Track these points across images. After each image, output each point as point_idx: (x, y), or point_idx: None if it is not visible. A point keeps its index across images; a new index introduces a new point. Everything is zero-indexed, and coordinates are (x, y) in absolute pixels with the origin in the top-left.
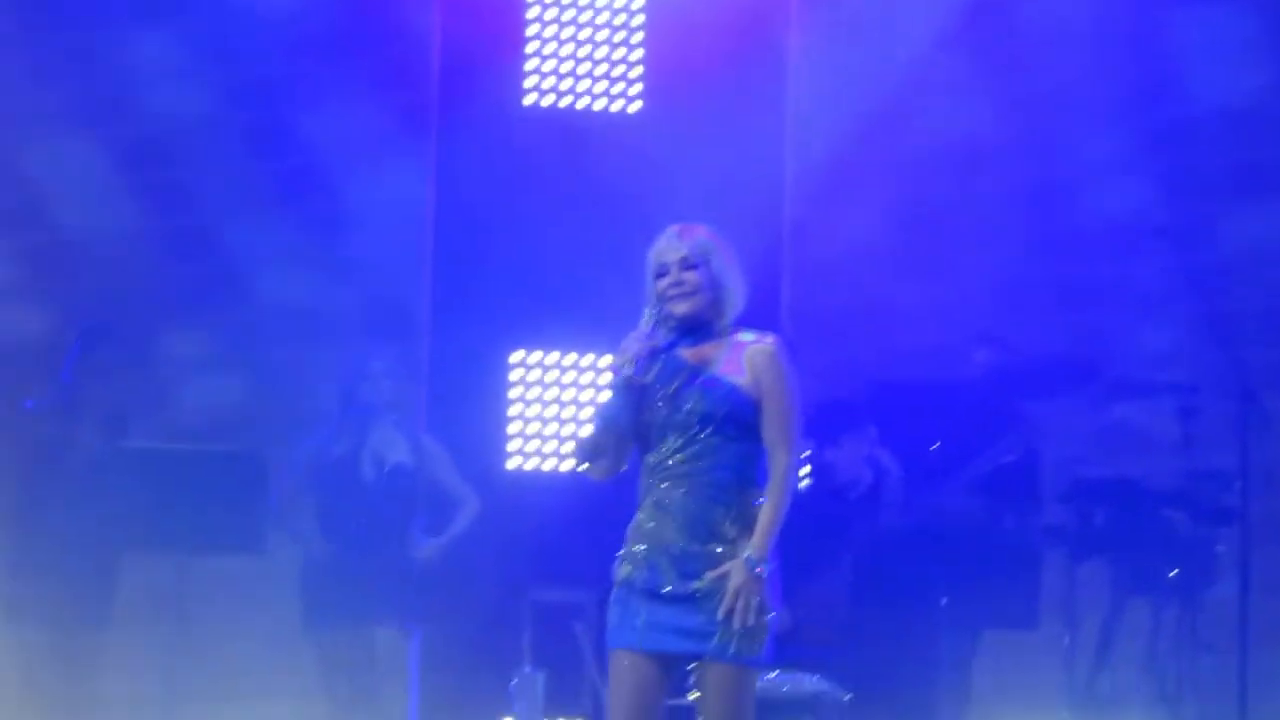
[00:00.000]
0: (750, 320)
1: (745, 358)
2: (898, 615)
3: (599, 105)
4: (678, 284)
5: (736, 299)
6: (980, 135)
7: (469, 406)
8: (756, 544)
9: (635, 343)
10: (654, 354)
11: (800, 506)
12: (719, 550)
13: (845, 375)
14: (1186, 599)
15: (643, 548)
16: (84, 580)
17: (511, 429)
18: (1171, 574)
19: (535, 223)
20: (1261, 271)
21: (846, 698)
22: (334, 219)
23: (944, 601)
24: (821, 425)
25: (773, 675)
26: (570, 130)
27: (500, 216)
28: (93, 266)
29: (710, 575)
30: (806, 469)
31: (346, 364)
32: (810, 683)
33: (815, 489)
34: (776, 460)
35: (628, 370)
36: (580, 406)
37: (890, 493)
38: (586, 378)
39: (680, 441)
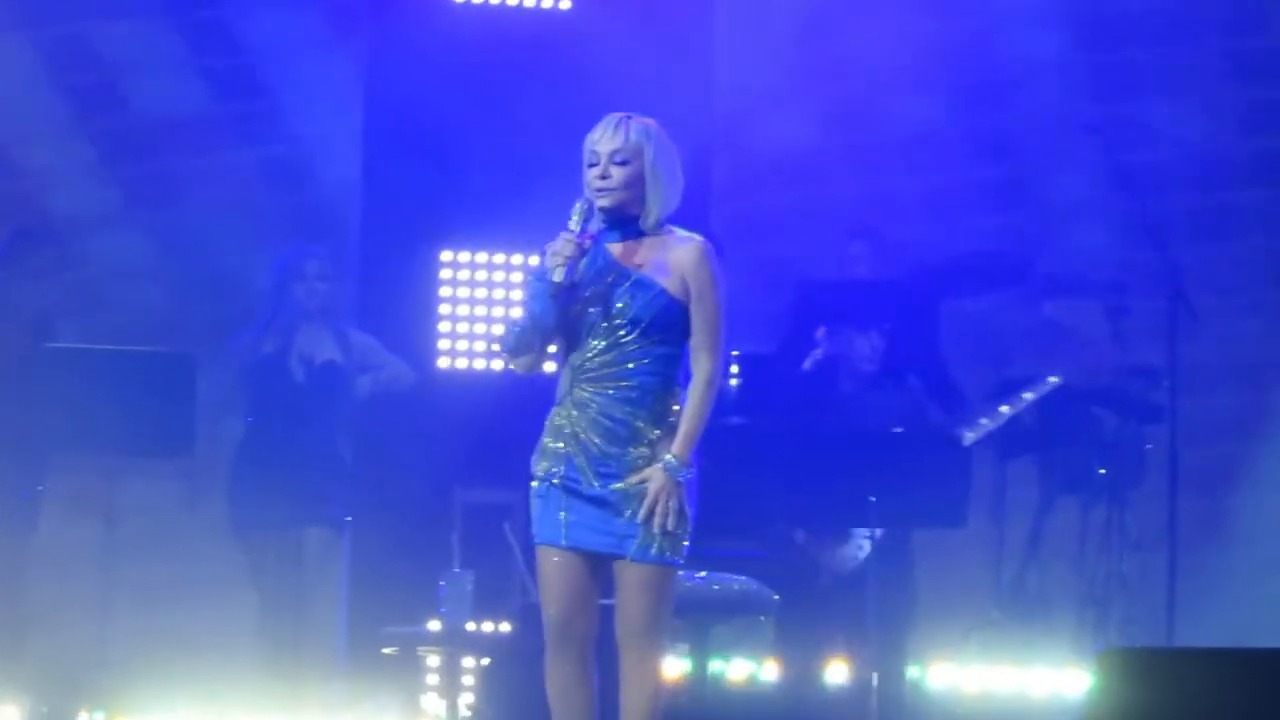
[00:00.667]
0: (680, 219)
1: (673, 259)
2: (824, 514)
3: (530, 1)
4: (604, 177)
5: (669, 198)
6: (910, 37)
7: (398, 305)
8: (677, 449)
9: (565, 245)
10: (582, 253)
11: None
12: (639, 453)
13: (775, 275)
14: (1115, 497)
15: (560, 445)
16: (11, 482)
17: (442, 327)
18: (1100, 472)
19: (465, 121)
20: (1189, 170)
21: (775, 597)
22: (264, 117)
23: (872, 500)
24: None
25: (701, 575)
26: (501, 27)
27: (431, 114)
28: (18, 169)
29: (631, 479)
30: (735, 368)
31: (277, 263)
32: (739, 583)
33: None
34: (700, 364)
35: (557, 276)
36: (509, 306)
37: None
38: (516, 277)
39: (605, 342)
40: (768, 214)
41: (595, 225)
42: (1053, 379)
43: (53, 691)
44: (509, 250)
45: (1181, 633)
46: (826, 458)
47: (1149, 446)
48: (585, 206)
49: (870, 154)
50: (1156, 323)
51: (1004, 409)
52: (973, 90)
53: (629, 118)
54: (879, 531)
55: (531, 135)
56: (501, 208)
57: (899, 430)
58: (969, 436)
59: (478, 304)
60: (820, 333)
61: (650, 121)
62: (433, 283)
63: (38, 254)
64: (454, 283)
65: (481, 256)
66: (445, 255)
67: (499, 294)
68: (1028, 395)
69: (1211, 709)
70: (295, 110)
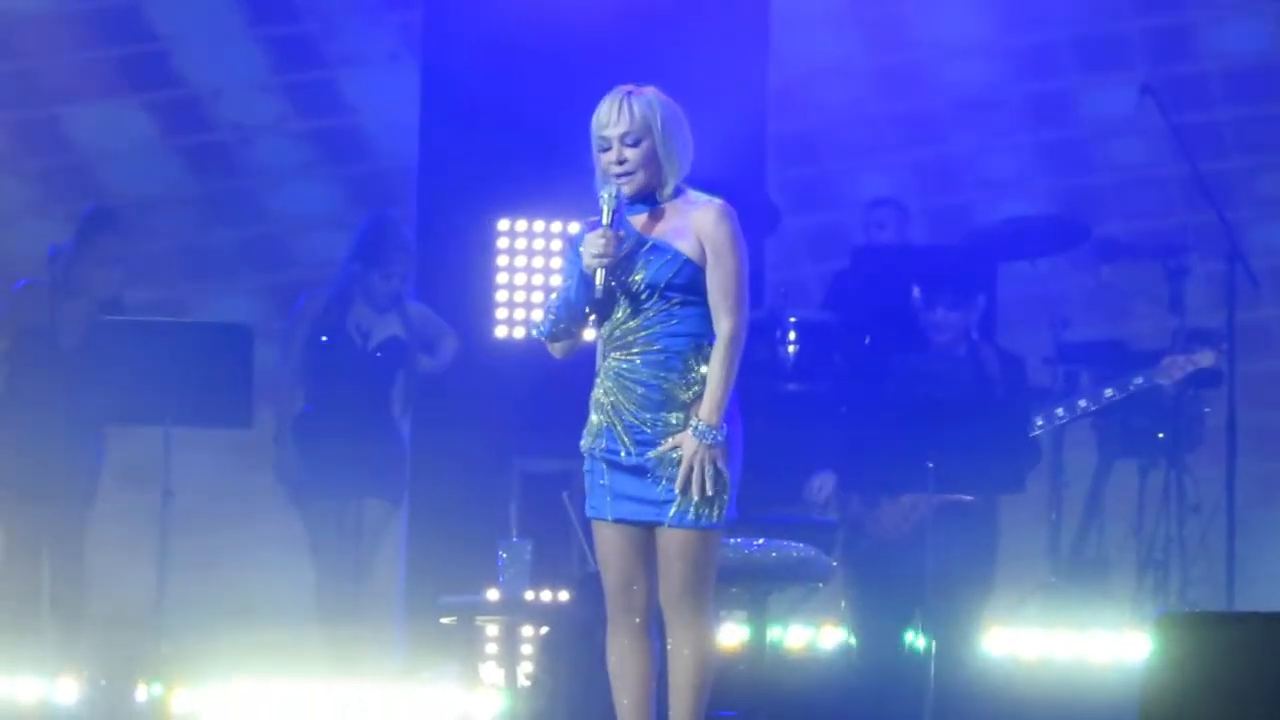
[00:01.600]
0: (733, 186)
1: (691, 221)
2: (883, 480)
3: None
4: (621, 161)
5: (683, 165)
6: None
7: (456, 276)
8: (705, 412)
9: (604, 244)
10: (620, 247)
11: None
12: (674, 417)
13: (834, 240)
14: (1173, 461)
15: (600, 417)
16: (71, 454)
17: (499, 297)
18: (1159, 436)
19: (521, 90)
20: (1249, 137)
21: (834, 563)
22: (320, 88)
23: (930, 465)
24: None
25: (759, 542)
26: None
27: (487, 84)
28: (88, 156)
29: (665, 446)
30: (792, 334)
31: (359, 236)
32: (797, 550)
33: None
34: (721, 324)
35: (599, 277)
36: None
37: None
38: None
39: (630, 310)
40: (825, 181)
41: (620, 205)
42: (1138, 380)
43: (111, 663)
44: (566, 219)
45: (1241, 597)
46: (884, 424)
47: (1207, 410)
48: (613, 196)
49: (927, 119)
50: (1215, 286)
51: (1082, 403)
52: (1028, 54)
53: (630, 94)
54: (930, 499)
55: (587, 104)
56: (558, 176)
57: (959, 399)
58: (1039, 424)
59: (535, 273)
60: (916, 292)
61: (650, 90)
62: (490, 252)
63: (110, 233)
64: (511, 251)
65: (539, 225)
66: (502, 224)
67: (555, 263)
68: (1109, 392)
69: (1272, 673)
70: (351, 80)
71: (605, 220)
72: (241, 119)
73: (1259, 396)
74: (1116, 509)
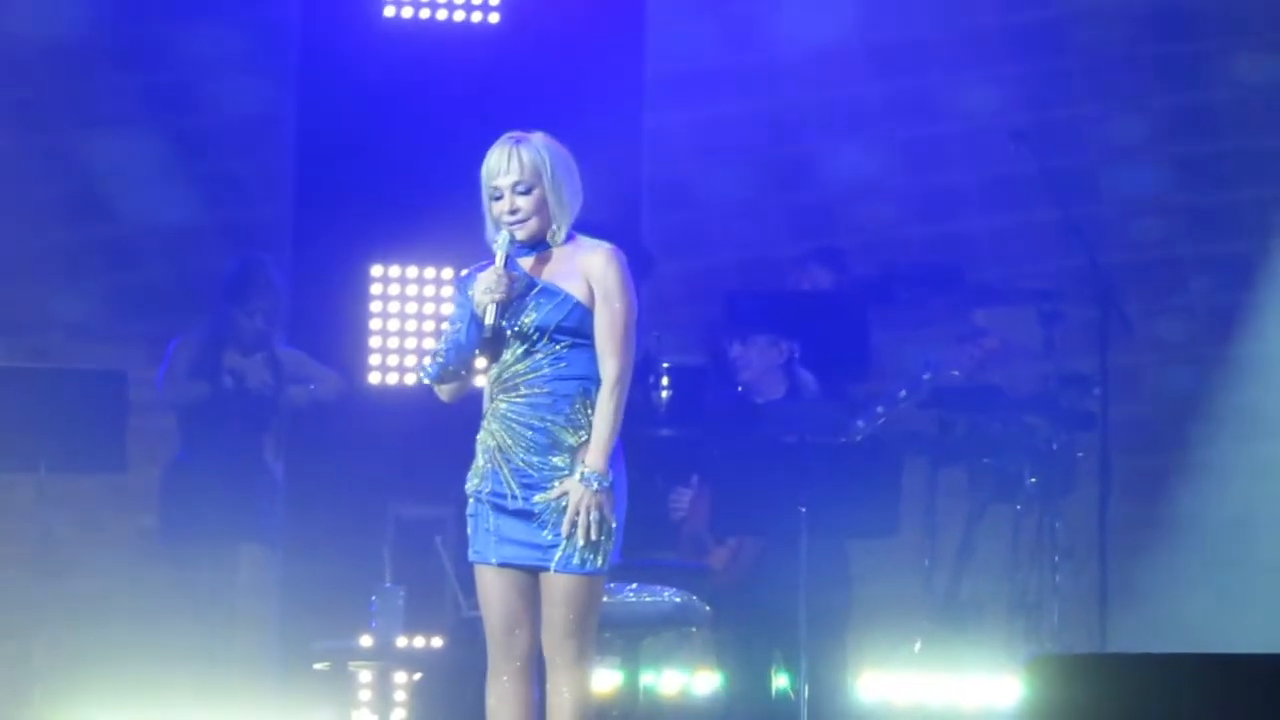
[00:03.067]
0: (610, 235)
1: (580, 264)
2: (755, 525)
3: (459, 16)
4: (514, 210)
5: (572, 208)
6: (839, 42)
7: (330, 321)
8: (591, 458)
9: (498, 285)
10: (513, 290)
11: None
12: (560, 460)
13: (707, 286)
14: (1047, 505)
15: (486, 460)
16: None
17: (373, 342)
18: (1031, 480)
19: (395, 135)
20: (1121, 176)
21: (706, 609)
22: (194, 134)
23: (803, 510)
24: (728, 323)
25: (632, 587)
26: (431, 41)
27: (360, 129)
28: None
29: (551, 493)
30: (665, 380)
31: (224, 279)
32: (670, 594)
33: (701, 392)
34: (606, 368)
35: (489, 317)
36: (440, 320)
37: (803, 412)
38: (446, 290)
39: (518, 353)
40: (700, 224)
41: (511, 251)
42: (927, 375)
43: None
44: (439, 264)
45: (1113, 640)
46: (754, 468)
47: (1080, 454)
48: (509, 240)
49: (806, 159)
50: (1088, 330)
51: (902, 394)
52: (901, 97)
53: (518, 141)
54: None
55: (461, 150)
56: (432, 221)
57: (827, 441)
58: (861, 427)
59: (409, 319)
60: (735, 349)
61: (538, 136)
62: (363, 297)
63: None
64: (384, 297)
65: (412, 271)
66: (376, 270)
67: (429, 308)
68: (903, 394)
69: (1142, 714)
70: (226, 125)
71: (499, 261)
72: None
73: (1130, 441)
74: (989, 553)
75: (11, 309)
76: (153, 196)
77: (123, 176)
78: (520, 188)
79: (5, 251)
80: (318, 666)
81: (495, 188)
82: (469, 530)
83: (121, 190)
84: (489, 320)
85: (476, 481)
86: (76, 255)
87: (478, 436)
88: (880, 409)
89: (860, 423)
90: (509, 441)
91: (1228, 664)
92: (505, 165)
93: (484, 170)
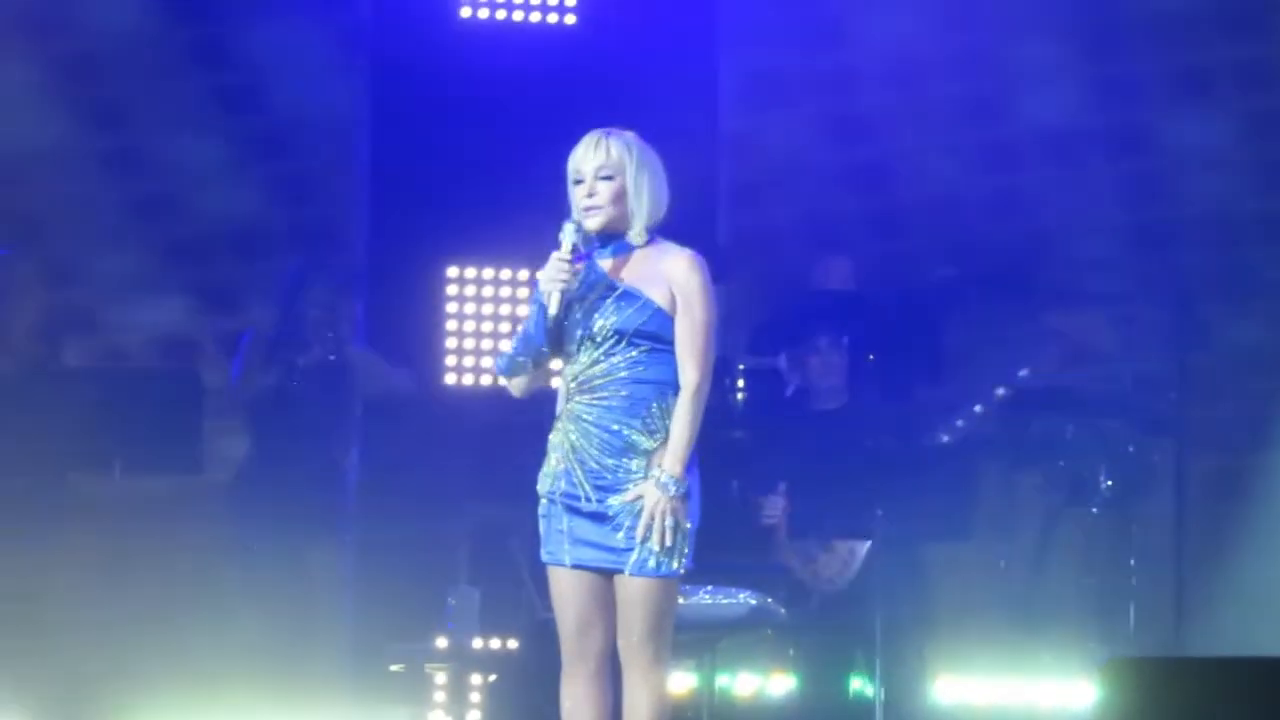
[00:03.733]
0: (686, 236)
1: (663, 270)
2: (831, 529)
3: (535, 18)
4: (591, 194)
5: (655, 208)
6: (916, 47)
7: (405, 321)
8: (668, 463)
9: (559, 273)
10: (576, 278)
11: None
12: (636, 464)
13: (782, 290)
14: (1122, 509)
15: (559, 461)
16: (19, 502)
17: (449, 343)
18: (1106, 484)
19: (469, 136)
20: (1196, 178)
21: (782, 611)
22: (270, 134)
23: (879, 514)
24: (795, 330)
25: (707, 589)
26: (506, 42)
27: (436, 130)
28: (19, 185)
29: (628, 495)
30: (741, 382)
31: (284, 280)
32: (744, 597)
33: (777, 394)
34: (686, 375)
35: (553, 306)
36: (516, 321)
37: (864, 416)
38: (522, 292)
39: (596, 355)
40: (776, 225)
41: (585, 244)
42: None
43: (58, 705)
44: (515, 266)
45: (1190, 644)
46: (830, 472)
47: (1156, 458)
48: (575, 228)
49: (876, 165)
50: (1164, 332)
51: (978, 408)
52: (976, 101)
53: (608, 133)
54: (866, 545)
55: (535, 150)
56: (508, 222)
57: (902, 444)
58: (946, 441)
59: (484, 320)
60: (781, 360)
61: (629, 133)
62: (440, 299)
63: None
64: (461, 298)
65: (489, 272)
66: (452, 271)
67: (505, 309)
68: (1000, 392)
69: (1215, 718)
70: (302, 126)
71: (564, 249)
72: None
73: (1207, 443)
74: (1065, 557)
75: (87, 310)
76: (229, 197)
77: (199, 177)
78: (603, 173)
79: (80, 252)
80: (393, 668)
81: (578, 172)
82: (541, 530)
83: (198, 190)
84: (552, 310)
85: (549, 482)
86: (153, 256)
87: (550, 437)
88: (961, 422)
89: (944, 436)
90: (583, 443)
91: None
92: (592, 151)
93: (570, 159)
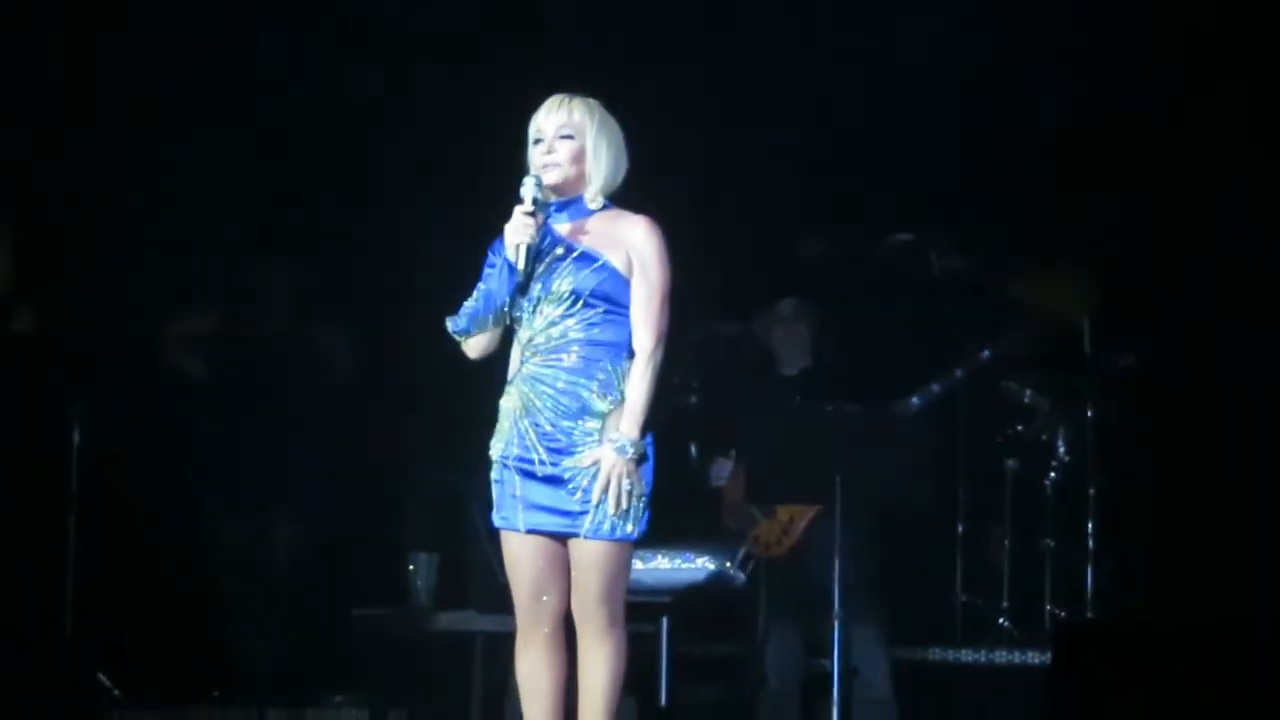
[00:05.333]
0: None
1: (620, 233)
2: (777, 496)
3: None
4: (549, 152)
5: (612, 175)
6: None
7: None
8: (625, 426)
9: (523, 228)
10: (539, 233)
11: None
12: (589, 426)
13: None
14: (1080, 474)
15: (512, 424)
16: None
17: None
18: (1065, 449)
19: None
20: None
21: (741, 576)
22: None
23: (838, 480)
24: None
25: (661, 553)
26: None
27: None
28: None
29: (583, 459)
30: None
31: None
32: (702, 562)
33: (736, 359)
34: (641, 339)
35: (520, 261)
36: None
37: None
38: None
39: (553, 316)
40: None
41: (545, 199)
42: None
43: None
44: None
45: (1146, 608)
46: (789, 437)
47: (1115, 421)
48: (535, 182)
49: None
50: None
51: (958, 373)
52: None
53: (572, 97)
54: (810, 513)
55: None
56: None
57: (861, 410)
58: (915, 404)
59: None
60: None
61: (593, 100)
62: None
63: None
64: None
65: None
66: None
67: None
68: (981, 355)
69: (1171, 681)
70: None
71: (528, 203)
72: None
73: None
74: (1023, 522)
75: None
76: None
77: None
78: (563, 132)
79: None
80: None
81: (539, 131)
82: (495, 495)
83: None
84: (520, 264)
85: (502, 446)
86: None
87: (502, 401)
88: (935, 387)
89: (915, 400)
90: (538, 404)
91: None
92: (554, 111)
93: (532, 118)
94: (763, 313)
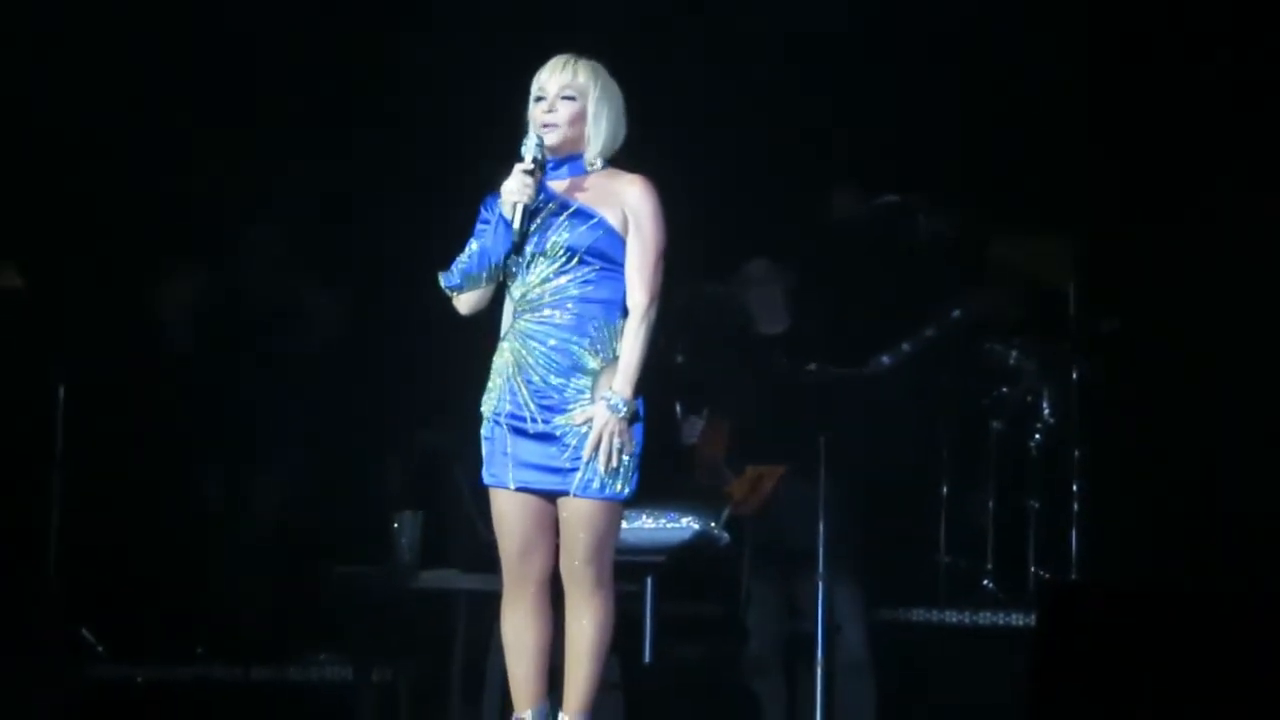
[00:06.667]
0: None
1: (616, 191)
2: (774, 456)
3: None
4: (550, 111)
5: (611, 140)
6: None
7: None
8: (619, 384)
9: (521, 185)
10: (538, 191)
11: None
12: (582, 383)
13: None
14: (1064, 436)
15: (504, 380)
16: None
17: None
18: (1050, 409)
19: None
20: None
21: (726, 536)
22: None
23: (822, 441)
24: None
25: (647, 512)
26: None
27: None
28: None
29: (576, 417)
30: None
31: None
32: (687, 522)
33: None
34: (634, 297)
35: (516, 220)
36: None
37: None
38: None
39: (547, 273)
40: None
41: (544, 158)
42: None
43: None
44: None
45: (1130, 570)
46: (772, 398)
47: (1100, 382)
48: (537, 142)
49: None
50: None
51: (929, 331)
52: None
53: (577, 58)
54: (778, 472)
55: None
56: None
57: (845, 372)
58: (886, 363)
59: None
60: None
61: (597, 63)
62: None
63: None
64: None
65: None
66: None
67: None
68: (954, 314)
69: (1158, 643)
70: None
71: (528, 161)
72: None
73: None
74: (1006, 483)
75: None
76: None
77: None
78: (566, 93)
79: None
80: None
81: (542, 89)
82: (484, 452)
83: None
84: (516, 223)
85: (493, 403)
86: None
87: (494, 358)
88: (906, 346)
89: (885, 359)
90: (529, 360)
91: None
92: (559, 71)
93: (536, 76)
94: (735, 274)
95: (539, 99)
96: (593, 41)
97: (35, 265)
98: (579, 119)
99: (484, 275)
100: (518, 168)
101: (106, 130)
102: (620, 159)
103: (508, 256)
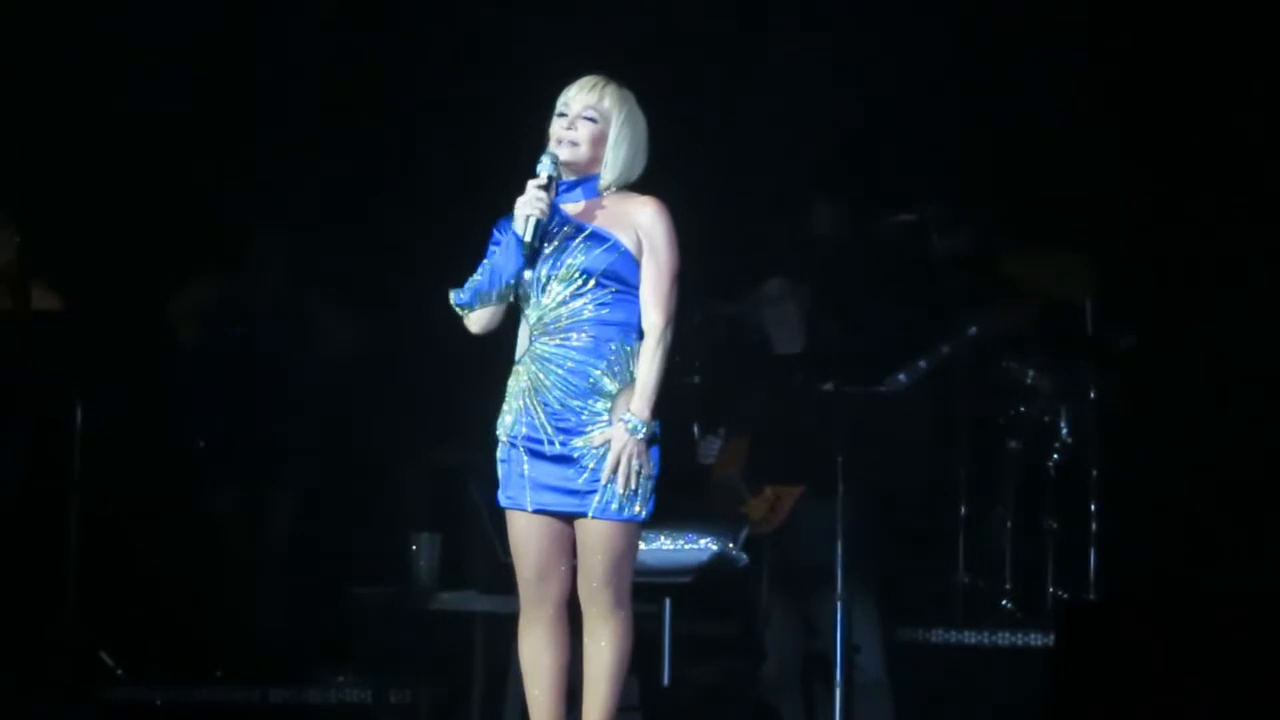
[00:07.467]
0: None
1: (629, 214)
2: (791, 474)
3: None
4: (570, 129)
5: (628, 169)
6: None
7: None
8: (637, 406)
9: (535, 203)
10: (552, 209)
11: None
12: (599, 406)
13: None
14: (1082, 455)
15: (520, 403)
16: None
17: None
18: (1068, 429)
19: None
20: None
21: (744, 557)
22: None
23: (840, 459)
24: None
25: (665, 533)
26: None
27: None
28: None
29: (594, 438)
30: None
31: None
32: (705, 543)
33: (735, 338)
34: (651, 319)
35: (529, 235)
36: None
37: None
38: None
39: (563, 295)
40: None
41: (559, 178)
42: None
43: None
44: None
45: (1147, 589)
46: (790, 417)
47: (1117, 402)
48: (552, 161)
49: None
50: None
51: (945, 349)
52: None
53: (608, 82)
54: (796, 492)
55: None
56: None
57: (862, 390)
58: (902, 380)
59: None
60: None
61: (628, 91)
62: None
63: None
64: None
65: None
66: None
67: None
68: (971, 331)
69: (1170, 660)
70: None
71: (542, 178)
72: None
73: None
74: (1024, 503)
75: None
76: None
77: None
78: (588, 114)
79: None
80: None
81: (566, 105)
82: (500, 475)
83: None
84: (527, 237)
85: (510, 425)
86: None
87: (510, 381)
88: (923, 363)
89: (901, 376)
90: (546, 383)
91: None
92: (586, 91)
93: (563, 92)
94: (750, 293)
95: (561, 114)
96: (609, 58)
97: (53, 285)
98: (598, 141)
99: (495, 293)
100: (531, 183)
101: (124, 146)
102: (635, 180)
103: (519, 274)
